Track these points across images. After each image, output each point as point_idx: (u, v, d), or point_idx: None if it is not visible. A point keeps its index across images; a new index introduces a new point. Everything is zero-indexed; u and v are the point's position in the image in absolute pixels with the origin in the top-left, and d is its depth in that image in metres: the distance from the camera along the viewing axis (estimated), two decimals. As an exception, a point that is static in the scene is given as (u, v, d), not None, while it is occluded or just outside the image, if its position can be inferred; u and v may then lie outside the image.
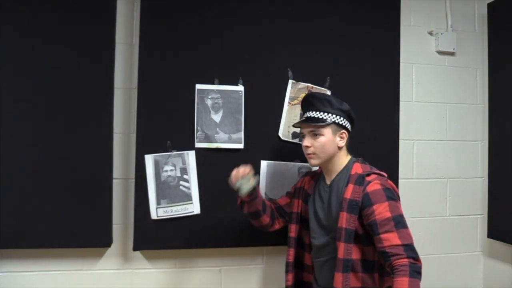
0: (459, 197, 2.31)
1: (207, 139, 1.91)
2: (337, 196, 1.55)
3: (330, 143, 1.56)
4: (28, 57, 1.79)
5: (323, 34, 2.03)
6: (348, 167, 1.59)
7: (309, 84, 2.00)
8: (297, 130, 1.83)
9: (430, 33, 2.29)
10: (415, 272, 1.36)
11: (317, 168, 1.75)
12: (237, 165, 1.88)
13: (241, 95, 1.94)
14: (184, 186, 1.90)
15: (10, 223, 1.76)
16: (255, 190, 1.61)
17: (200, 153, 1.91)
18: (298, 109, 1.89)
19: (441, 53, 2.29)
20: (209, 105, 1.92)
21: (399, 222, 1.42)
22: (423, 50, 2.28)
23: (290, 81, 1.99)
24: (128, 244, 1.94)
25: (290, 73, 1.99)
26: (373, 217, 1.43)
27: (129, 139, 1.95)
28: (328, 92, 1.99)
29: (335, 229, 1.52)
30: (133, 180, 1.90)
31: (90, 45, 1.84)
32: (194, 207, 1.91)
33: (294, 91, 1.98)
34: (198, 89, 1.91)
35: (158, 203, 1.88)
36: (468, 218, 2.33)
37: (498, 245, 2.25)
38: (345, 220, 1.47)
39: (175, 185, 1.90)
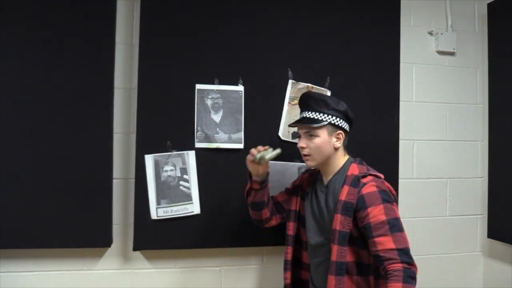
0: (459, 197, 2.31)
1: (207, 139, 1.92)
2: (333, 197, 1.54)
3: (326, 144, 1.54)
4: (28, 57, 1.79)
5: (323, 34, 2.03)
6: (345, 168, 1.56)
7: (309, 84, 2.00)
8: (297, 130, 1.83)
9: (430, 33, 2.29)
10: (409, 277, 1.33)
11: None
12: (237, 165, 1.90)
13: (241, 95, 1.94)
14: (184, 186, 1.90)
15: (10, 223, 1.76)
16: (267, 179, 1.63)
17: (200, 153, 1.91)
18: (298, 109, 1.88)
19: (441, 53, 2.29)
20: (209, 105, 1.92)
21: (394, 226, 1.39)
22: (423, 50, 2.28)
23: (290, 81, 1.99)
24: (128, 244, 1.93)
25: (290, 73, 1.99)
26: (368, 220, 1.41)
27: (129, 139, 1.95)
28: (328, 92, 1.99)
29: (330, 230, 1.50)
30: (133, 180, 1.90)
31: (90, 45, 1.84)
32: (194, 207, 1.91)
33: (294, 91, 1.98)
34: (198, 89, 1.91)
35: (158, 203, 1.88)
36: (468, 218, 2.33)
37: (498, 245, 2.25)
38: (339, 223, 1.45)
39: (175, 185, 1.90)
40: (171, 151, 1.89)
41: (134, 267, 1.95)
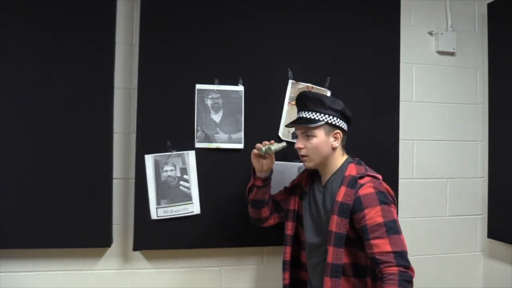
0: (459, 197, 2.31)
1: (207, 139, 1.92)
2: (330, 197, 1.52)
3: (323, 144, 1.52)
4: (28, 57, 1.79)
5: (323, 34, 2.03)
6: (342, 168, 1.55)
7: (309, 84, 2.00)
8: (294, 130, 1.83)
9: (430, 33, 2.29)
10: (405, 281, 1.30)
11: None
12: (237, 165, 1.90)
13: (241, 95, 1.94)
14: (184, 186, 1.90)
15: (10, 223, 1.76)
16: (270, 177, 1.63)
17: (200, 153, 1.91)
18: (298, 109, 1.89)
19: (441, 53, 2.29)
20: (209, 105, 1.92)
21: (391, 228, 1.37)
22: (423, 50, 2.28)
23: (290, 81, 1.99)
24: (128, 244, 1.93)
25: (290, 73, 1.99)
26: (364, 222, 1.39)
27: (129, 139, 1.95)
28: (328, 92, 1.99)
29: (327, 231, 1.48)
30: (133, 180, 1.90)
31: (90, 45, 1.84)
32: (194, 207, 1.91)
33: (294, 91, 1.98)
34: (198, 89, 1.91)
35: (158, 203, 1.88)
36: (468, 218, 2.33)
37: (498, 245, 2.25)
38: (336, 224, 1.44)
39: (175, 185, 1.90)
40: (171, 151, 1.89)
41: (134, 267, 1.95)
